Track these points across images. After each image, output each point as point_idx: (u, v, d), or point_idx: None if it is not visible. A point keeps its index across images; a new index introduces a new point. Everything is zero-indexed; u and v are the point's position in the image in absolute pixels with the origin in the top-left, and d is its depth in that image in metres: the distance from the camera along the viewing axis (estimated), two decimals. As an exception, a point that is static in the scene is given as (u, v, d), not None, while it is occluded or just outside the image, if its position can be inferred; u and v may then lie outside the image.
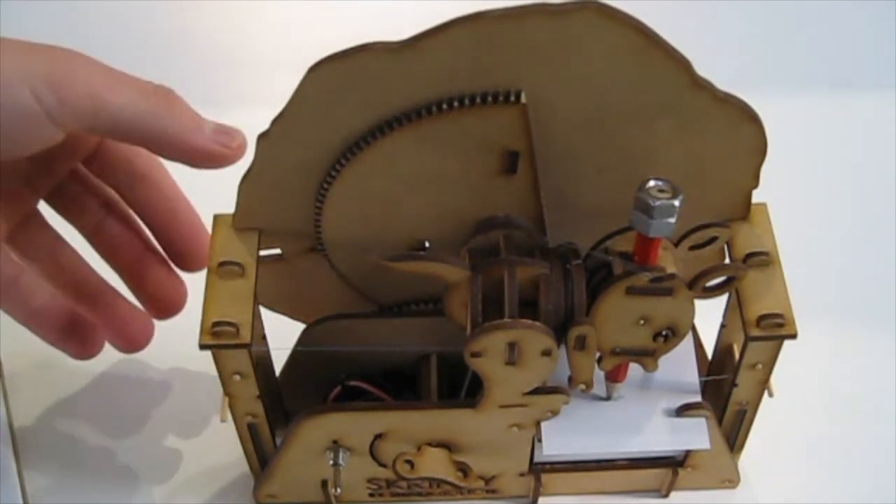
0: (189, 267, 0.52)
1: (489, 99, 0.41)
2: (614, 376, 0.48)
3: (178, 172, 0.58)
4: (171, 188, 0.51)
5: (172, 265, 0.52)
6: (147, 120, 0.43)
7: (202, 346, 0.44)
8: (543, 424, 0.48)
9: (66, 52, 0.43)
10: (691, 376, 0.49)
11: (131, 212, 0.51)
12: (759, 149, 0.43)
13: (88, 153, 0.49)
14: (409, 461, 0.49)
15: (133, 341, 0.53)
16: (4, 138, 0.42)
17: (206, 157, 0.45)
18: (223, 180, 0.45)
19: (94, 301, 0.51)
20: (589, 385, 0.46)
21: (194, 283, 0.46)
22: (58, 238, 0.51)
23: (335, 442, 0.49)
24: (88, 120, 0.43)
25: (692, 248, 0.44)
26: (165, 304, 0.52)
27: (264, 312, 0.48)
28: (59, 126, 0.42)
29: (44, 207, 0.50)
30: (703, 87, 0.41)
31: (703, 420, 0.48)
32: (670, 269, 0.42)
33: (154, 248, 0.52)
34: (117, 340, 0.53)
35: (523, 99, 0.41)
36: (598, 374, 0.46)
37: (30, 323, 0.50)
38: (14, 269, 0.48)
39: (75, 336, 0.51)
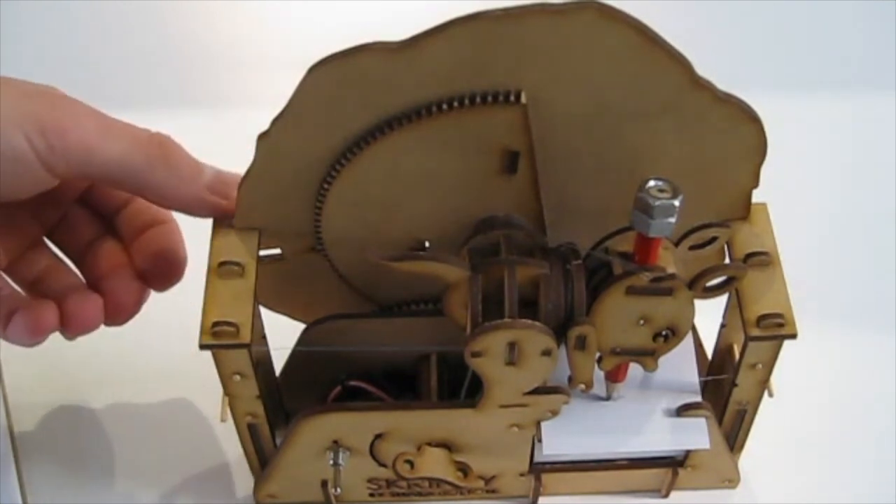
0: (156, 286, 0.50)
1: (489, 99, 0.41)
2: (614, 376, 0.48)
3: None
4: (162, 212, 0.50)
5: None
6: (141, 172, 0.44)
7: (202, 346, 0.44)
8: (543, 424, 0.48)
9: (62, 99, 0.43)
10: (691, 376, 0.49)
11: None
12: (759, 149, 0.43)
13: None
14: (409, 461, 0.49)
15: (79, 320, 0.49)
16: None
17: (201, 210, 0.45)
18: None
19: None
20: (589, 385, 0.46)
21: (194, 283, 0.46)
22: (60, 265, 0.50)
23: (335, 442, 0.49)
24: (80, 168, 0.43)
25: (692, 248, 0.44)
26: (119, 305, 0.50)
27: (264, 312, 0.48)
28: (51, 172, 0.43)
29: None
30: (704, 87, 0.41)
31: (703, 420, 0.48)
32: (670, 269, 0.42)
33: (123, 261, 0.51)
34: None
35: (523, 99, 0.41)
36: (598, 374, 0.46)
37: None
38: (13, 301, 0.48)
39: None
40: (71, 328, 0.48)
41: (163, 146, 0.44)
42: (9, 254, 0.48)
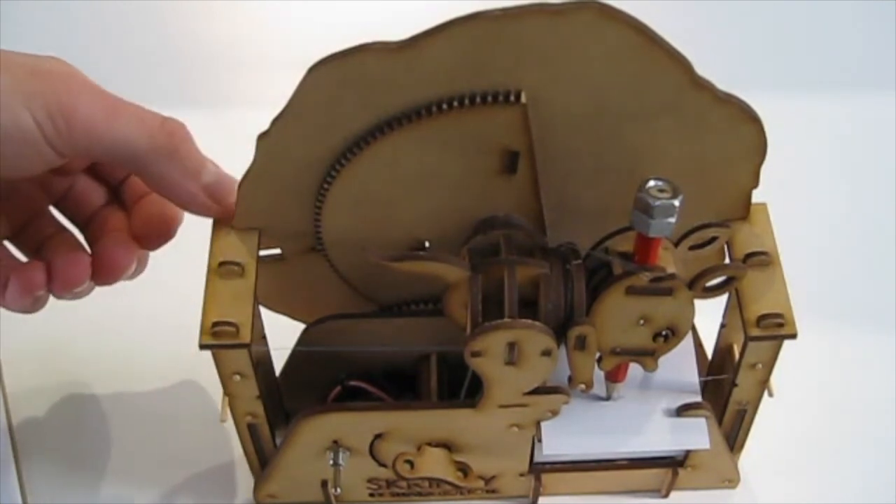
0: (148, 244, 0.50)
1: (489, 99, 0.41)
2: (614, 376, 0.48)
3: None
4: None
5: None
6: (143, 158, 0.44)
7: (202, 346, 0.44)
8: (543, 424, 0.48)
9: (71, 77, 0.43)
10: (691, 376, 0.49)
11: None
12: (759, 149, 0.43)
13: None
14: (409, 461, 0.49)
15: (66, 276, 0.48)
16: (3, 158, 0.42)
17: (193, 208, 0.45)
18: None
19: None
20: (589, 385, 0.46)
21: (194, 283, 0.46)
22: (63, 233, 0.50)
23: (335, 442, 0.49)
24: (85, 150, 0.43)
25: (692, 248, 0.44)
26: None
27: (264, 312, 0.48)
28: (57, 152, 0.43)
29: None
30: (703, 87, 0.41)
31: (703, 420, 0.48)
32: (670, 269, 0.42)
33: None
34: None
35: (523, 99, 0.41)
36: (598, 374, 0.46)
37: None
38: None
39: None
40: (57, 285, 0.47)
41: (172, 136, 0.44)
42: (13, 223, 0.48)
